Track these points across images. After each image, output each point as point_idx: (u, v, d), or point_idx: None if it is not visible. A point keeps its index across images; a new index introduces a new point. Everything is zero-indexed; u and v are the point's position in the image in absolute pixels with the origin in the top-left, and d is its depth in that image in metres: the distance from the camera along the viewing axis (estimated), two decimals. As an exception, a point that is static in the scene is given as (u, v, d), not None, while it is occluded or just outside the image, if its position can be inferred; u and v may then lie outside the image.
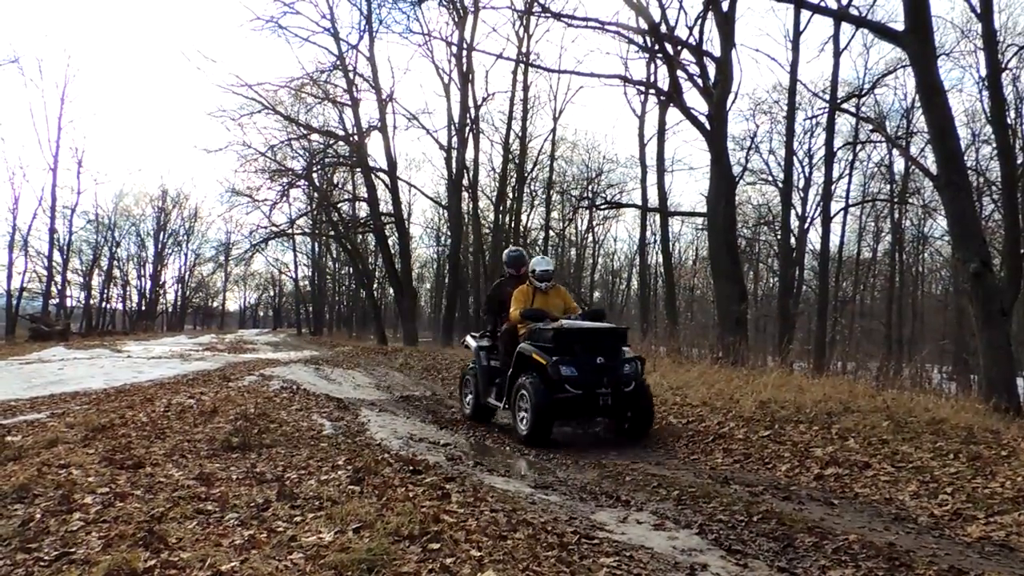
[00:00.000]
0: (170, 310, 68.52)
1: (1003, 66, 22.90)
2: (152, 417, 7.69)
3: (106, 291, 58.55)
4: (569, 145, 41.97)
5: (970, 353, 22.56)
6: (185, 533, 3.97)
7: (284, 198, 34.37)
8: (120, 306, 62.74)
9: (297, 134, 31.89)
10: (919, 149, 28.85)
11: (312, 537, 3.96)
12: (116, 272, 59.75)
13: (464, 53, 30.03)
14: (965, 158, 21.44)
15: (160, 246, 62.78)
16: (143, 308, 62.20)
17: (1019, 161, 26.51)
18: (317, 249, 54.50)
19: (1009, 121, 25.67)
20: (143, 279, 63.36)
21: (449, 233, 37.81)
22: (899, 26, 12.89)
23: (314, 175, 34.80)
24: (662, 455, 7.97)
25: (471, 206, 35.16)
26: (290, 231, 39.24)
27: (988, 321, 11.51)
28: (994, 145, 22.26)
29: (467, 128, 31.66)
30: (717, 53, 19.17)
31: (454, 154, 31.93)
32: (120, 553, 3.61)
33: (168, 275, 66.62)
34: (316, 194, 36.58)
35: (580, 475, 6.56)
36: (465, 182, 33.35)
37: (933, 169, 12.80)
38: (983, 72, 21.66)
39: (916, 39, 12.34)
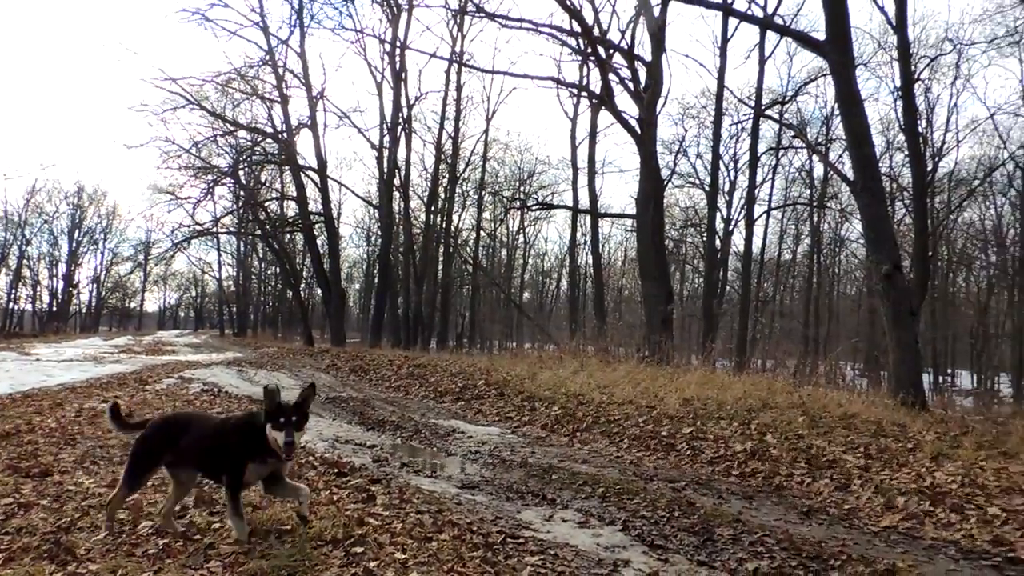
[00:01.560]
0: (84, 311, 65.73)
1: (916, 77, 23.99)
2: (62, 423, 7.36)
3: (14, 291, 55.84)
4: (502, 146, 42.22)
5: (881, 351, 23.58)
6: (95, 544, 3.81)
7: (209, 196, 33.43)
8: (29, 307, 59.92)
9: (223, 130, 31.02)
10: (838, 155, 29.95)
11: (232, 544, 3.86)
12: (26, 272, 57.06)
13: (397, 51, 29.79)
14: (880, 165, 22.41)
15: (75, 245, 60.25)
16: (54, 309, 59.48)
17: (929, 168, 27.88)
18: (243, 248, 53.18)
19: (920, 130, 26.91)
20: (55, 279, 60.65)
21: (380, 233, 37.46)
22: (821, 36, 13.36)
23: (241, 173, 33.93)
24: (588, 453, 8.06)
25: (402, 206, 34.92)
26: (215, 230, 38.19)
27: (898, 321, 12.04)
28: (906, 152, 23.29)
29: (400, 127, 31.42)
30: (648, 58, 19.53)
31: (386, 153, 31.64)
32: (23, 567, 3.44)
33: (82, 275, 63.94)
34: (243, 192, 35.67)
35: (507, 474, 6.59)
36: (397, 182, 33.09)
37: (850, 175, 13.31)
38: (898, 82, 22.61)
39: (836, 49, 12.82)
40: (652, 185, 19.09)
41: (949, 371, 38.05)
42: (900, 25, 18.29)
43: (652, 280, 18.45)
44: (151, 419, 4.52)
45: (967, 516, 5.38)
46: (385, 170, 31.71)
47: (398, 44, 29.37)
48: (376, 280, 37.59)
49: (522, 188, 40.52)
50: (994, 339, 36.02)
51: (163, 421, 4.46)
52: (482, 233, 41.60)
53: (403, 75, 30.77)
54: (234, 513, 4.05)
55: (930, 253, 18.93)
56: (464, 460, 7.31)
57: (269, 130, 31.64)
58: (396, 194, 33.78)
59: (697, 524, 5.12)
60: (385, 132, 31.54)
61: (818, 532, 5.12)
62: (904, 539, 5.09)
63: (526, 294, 52.86)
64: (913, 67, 22.28)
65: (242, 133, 31.91)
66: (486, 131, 37.30)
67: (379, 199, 34.36)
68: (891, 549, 4.81)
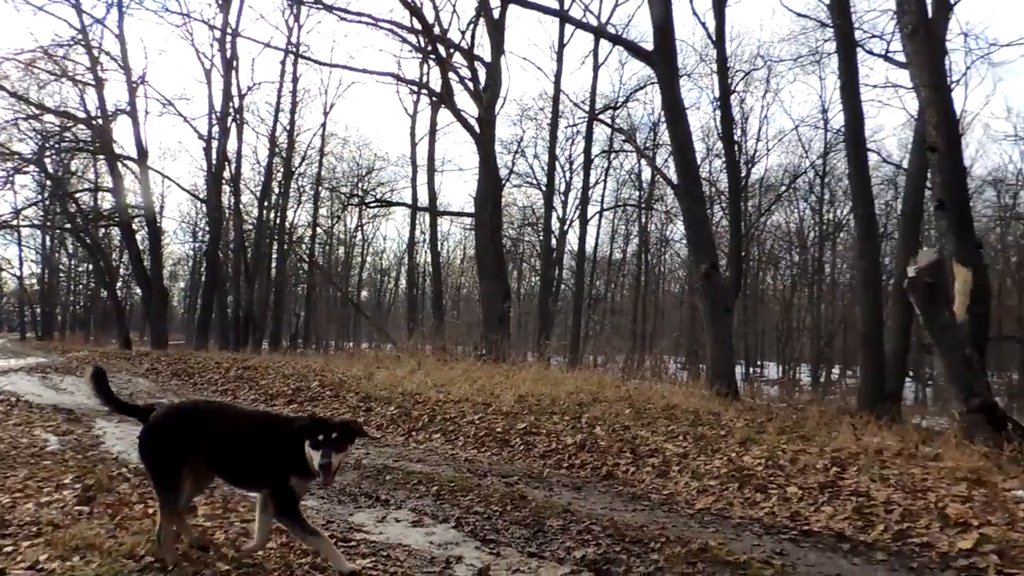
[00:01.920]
0: None
1: (732, 89, 25.85)
2: None
3: None
4: (340, 141, 41.00)
5: (700, 345, 25.25)
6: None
7: (8, 185, 30.30)
8: None
9: (26, 113, 28.14)
10: (664, 160, 31.74)
11: (25, 568, 3.52)
12: None
13: (228, 38, 28.30)
14: (700, 169, 23.96)
15: None
16: None
17: (743, 174, 30.17)
18: (49, 243, 48.54)
19: (736, 138, 29.04)
20: None
21: (207, 228, 35.47)
22: (650, 47, 14.08)
23: (47, 160, 30.93)
24: (424, 452, 8.06)
25: (232, 200, 33.20)
26: (15, 223, 34.66)
27: (715, 317, 12.94)
28: (724, 158, 25.04)
29: (230, 118, 29.88)
30: (488, 58, 19.77)
31: (215, 145, 29.97)
32: None
33: None
34: (49, 182, 32.56)
35: (339, 478, 6.44)
36: (226, 175, 31.44)
37: (674, 179, 14.14)
38: (717, 93, 24.28)
39: (662, 60, 13.57)
40: (491, 184, 19.38)
41: (758, 363, 41.28)
42: (719, 40, 19.64)
43: (490, 278, 18.72)
44: (157, 407, 4.00)
45: (770, 495, 5.87)
46: (214, 162, 30.04)
47: (229, 31, 27.91)
48: (203, 278, 35.58)
49: (360, 184, 39.76)
50: (796, 333, 39.50)
51: (180, 410, 3.98)
52: (319, 230, 40.44)
53: (235, 63, 29.32)
54: (309, 533, 3.68)
55: (743, 253, 20.54)
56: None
57: (81, 115, 29.04)
58: (226, 188, 32.12)
59: (529, 517, 5.26)
60: (214, 122, 29.90)
61: (641, 517, 5.40)
62: (716, 519, 5.47)
63: (364, 293, 51.96)
64: (730, 80, 24.00)
65: (49, 117, 29.01)
66: (323, 125, 36.31)
67: (207, 193, 32.49)
68: (704, 529, 5.16)
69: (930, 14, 10.12)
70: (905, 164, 18.80)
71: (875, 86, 43.68)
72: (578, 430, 8.34)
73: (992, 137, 64.82)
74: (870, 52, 19.61)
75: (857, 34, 16.88)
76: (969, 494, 5.56)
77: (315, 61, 33.51)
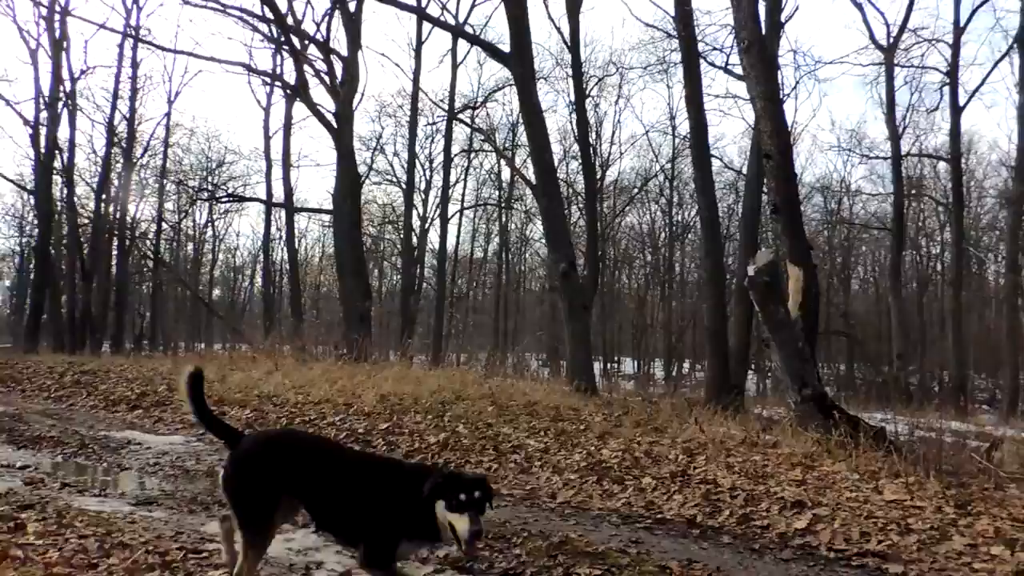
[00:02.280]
0: None
1: (587, 93, 26.66)
2: None
3: None
4: (187, 132, 38.84)
5: (560, 342, 25.92)
6: None
7: None
8: None
9: None
10: (522, 160, 32.29)
11: None
12: None
13: (57, 17, 26.16)
14: (558, 171, 24.55)
15: None
16: None
17: (598, 176, 31.21)
18: None
19: (591, 141, 30.00)
20: None
21: (35, 222, 32.62)
22: (507, 48, 14.28)
23: None
24: (282, 456, 7.78)
25: (66, 192, 30.71)
26: None
27: (573, 314, 13.31)
28: (580, 160, 25.79)
29: (61, 103, 27.62)
30: (345, 52, 19.34)
31: (43, 131, 27.60)
32: None
33: None
34: None
35: (191, 486, 6.13)
36: (58, 164, 29.03)
37: (533, 179, 14.43)
38: (572, 97, 24.98)
39: (519, 62, 13.79)
40: (349, 181, 19.00)
41: (616, 358, 42.86)
42: (574, 46, 20.20)
43: (350, 277, 18.36)
44: (246, 436, 3.53)
45: (626, 486, 6.11)
46: (43, 150, 27.69)
47: (58, 9, 25.83)
48: (32, 276, 32.73)
49: (210, 178, 37.90)
50: (650, 329, 41.34)
51: (276, 439, 3.52)
52: (164, 225, 38.17)
53: (65, 44, 27.10)
54: None
55: (599, 253, 21.26)
56: (141, 474, 6.66)
57: None
58: (57, 178, 29.68)
59: (391, 518, 5.19)
60: (43, 107, 27.55)
61: (504, 513, 5.47)
62: (576, 512, 5.63)
63: (216, 291, 49.50)
64: (585, 84, 24.78)
65: None
66: (168, 115, 34.22)
67: (35, 183, 29.91)
68: (565, 522, 5.30)
69: (764, 31, 10.87)
70: (745, 170, 20.12)
71: (717, 96, 46.35)
72: (441, 429, 8.33)
73: (819, 147, 70.54)
74: (712, 64, 20.86)
75: (700, 46, 17.91)
76: (803, 478, 6.02)
77: (156, 46, 31.15)
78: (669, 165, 34.71)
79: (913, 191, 31.98)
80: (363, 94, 25.63)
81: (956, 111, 25.11)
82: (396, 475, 3.29)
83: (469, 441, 7.79)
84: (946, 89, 25.73)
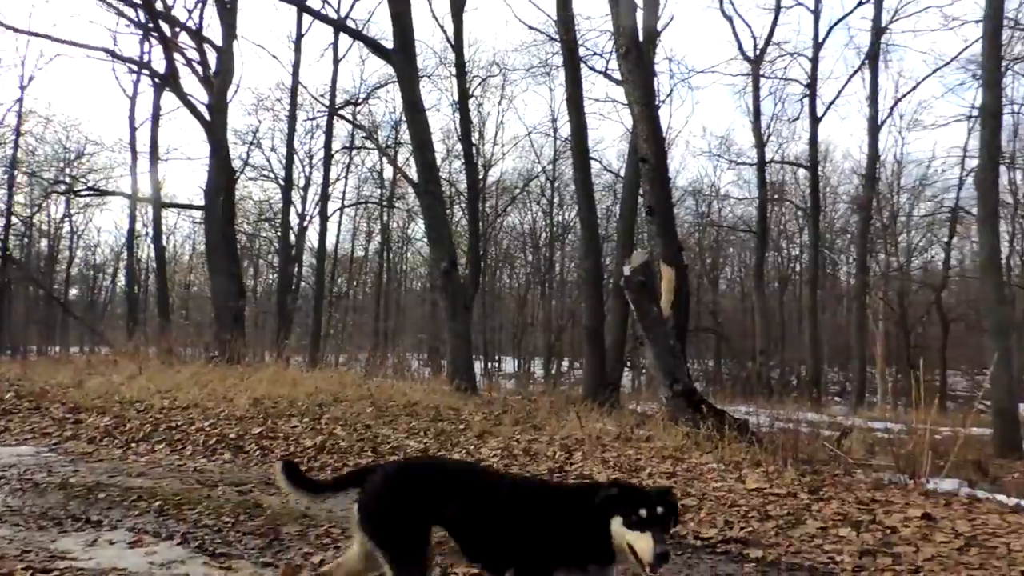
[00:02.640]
0: None
1: (470, 93, 26.70)
2: None
3: None
4: (41, 120, 36.11)
5: (441, 342, 25.88)
6: None
7: None
8: None
9: None
10: (405, 158, 31.99)
11: None
12: None
13: None
14: (440, 170, 24.49)
15: None
16: None
17: (481, 175, 31.36)
18: None
19: (474, 140, 30.10)
20: None
21: None
22: (390, 44, 14.08)
23: None
24: (145, 464, 7.38)
25: None
26: None
27: (454, 314, 13.31)
28: (463, 160, 25.82)
29: None
30: (219, 42, 18.55)
31: None
32: None
33: None
34: None
35: (41, 500, 5.70)
36: None
37: (415, 177, 14.31)
38: (455, 96, 24.96)
39: (402, 59, 13.66)
40: (222, 176, 18.26)
41: (496, 357, 43.22)
42: (458, 45, 20.20)
43: (222, 275, 17.63)
44: (372, 471, 3.17)
45: (505, 484, 6.16)
46: None
47: None
48: None
49: (68, 170, 35.38)
50: (530, 328, 41.93)
51: (415, 466, 3.15)
52: (15, 220, 35.29)
53: (-101, 19, 24.65)
54: None
55: (481, 252, 21.40)
56: (-17, 489, 6.14)
57: None
58: None
59: (264, 526, 5.02)
60: None
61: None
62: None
63: (73, 291, 46.30)
64: (468, 84, 24.81)
65: None
66: (20, 101, 31.76)
67: None
68: (444, 522, 5.27)
69: (641, 38, 11.24)
70: (622, 173, 20.72)
71: (597, 100, 47.53)
72: (318, 431, 8.14)
73: (692, 152, 73.83)
74: (592, 68, 21.38)
75: (581, 51, 18.34)
76: (674, 470, 6.27)
77: (6, 26, 28.99)
78: (551, 166, 35.32)
79: (776, 196, 33.92)
80: (238, 86, 24.66)
81: (814, 121, 26.84)
82: (552, 496, 3.05)
83: (347, 443, 7.65)
84: (806, 100, 27.51)
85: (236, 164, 27.78)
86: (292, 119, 28.81)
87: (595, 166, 27.55)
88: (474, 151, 28.51)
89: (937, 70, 27.78)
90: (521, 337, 40.98)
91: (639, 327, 9.29)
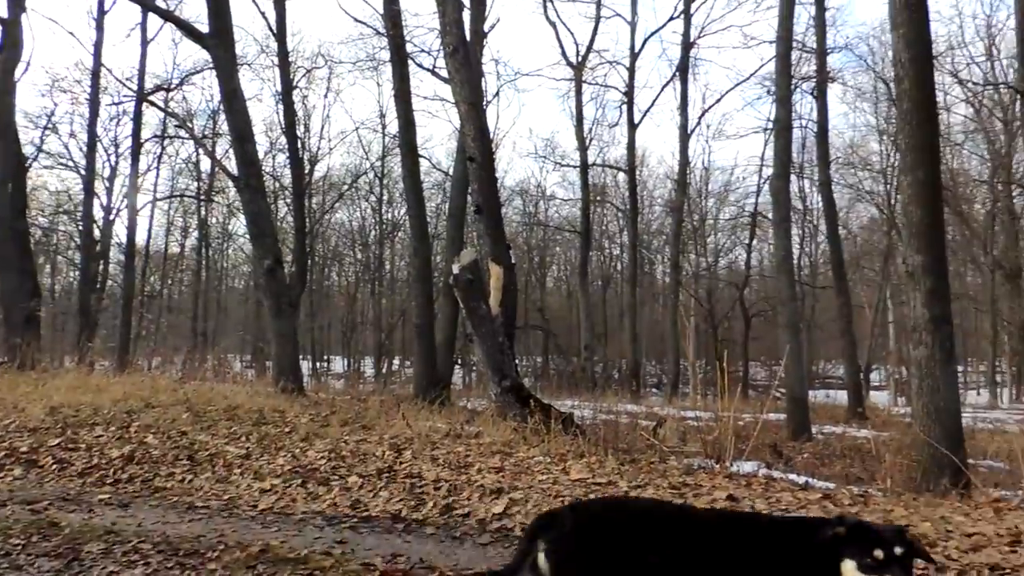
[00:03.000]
0: None
1: (294, 84, 25.78)
2: None
3: None
4: None
5: (266, 342, 24.84)
6: None
7: None
8: None
9: None
10: (224, 150, 30.31)
11: None
12: None
13: None
14: (263, 163, 23.49)
15: None
16: None
17: (307, 170, 30.37)
18: None
19: (300, 134, 29.17)
20: None
21: None
22: (206, 28, 13.28)
23: None
24: (-84, 486, 6.53)
25: None
26: None
27: (279, 313, 12.81)
28: (288, 153, 24.90)
29: None
30: (6, 15, 16.71)
31: None
32: None
33: None
34: None
35: None
36: None
37: (235, 170, 13.61)
38: (279, 87, 23.97)
39: (219, 44, 12.93)
40: (10, 163, 16.50)
41: (325, 357, 42.13)
42: (280, 33, 19.49)
43: (12, 272, 15.93)
44: (562, 514, 2.75)
45: (332, 487, 6.01)
46: None
47: None
48: None
49: None
50: (360, 327, 41.23)
51: (610, 511, 2.67)
52: None
53: None
54: None
55: (308, 249, 20.78)
56: None
57: None
58: None
59: (62, 545, 4.60)
60: None
61: (198, 527, 5.10)
62: (279, 518, 5.42)
63: None
64: (292, 75, 23.99)
65: None
66: None
67: None
68: (267, 529, 5.07)
69: (468, 38, 11.36)
70: (451, 171, 20.82)
71: (426, 97, 47.62)
72: (126, 441, 7.55)
73: (519, 153, 75.59)
74: (420, 65, 21.30)
75: (409, 47, 18.19)
76: (502, 465, 6.38)
77: None
78: (379, 163, 34.83)
79: (598, 198, 35.44)
80: (29, 64, 22.32)
81: (632, 127, 28.30)
82: (768, 531, 2.75)
83: (159, 452, 7.15)
84: (624, 107, 28.92)
85: (28, 150, 25.23)
86: (95, 103, 26.42)
87: (424, 164, 27.50)
88: (299, 145, 27.63)
89: (738, 85, 30.33)
90: (351, 336, 40.18)
91: (469, 325, 9.38)
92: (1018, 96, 18.29)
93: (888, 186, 28.28)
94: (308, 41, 43.65)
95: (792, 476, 6.78)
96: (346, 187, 35.81)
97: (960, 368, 26.56)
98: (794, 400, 13.85)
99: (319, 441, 7.38)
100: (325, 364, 40.66)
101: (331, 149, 41.33)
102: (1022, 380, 28.62)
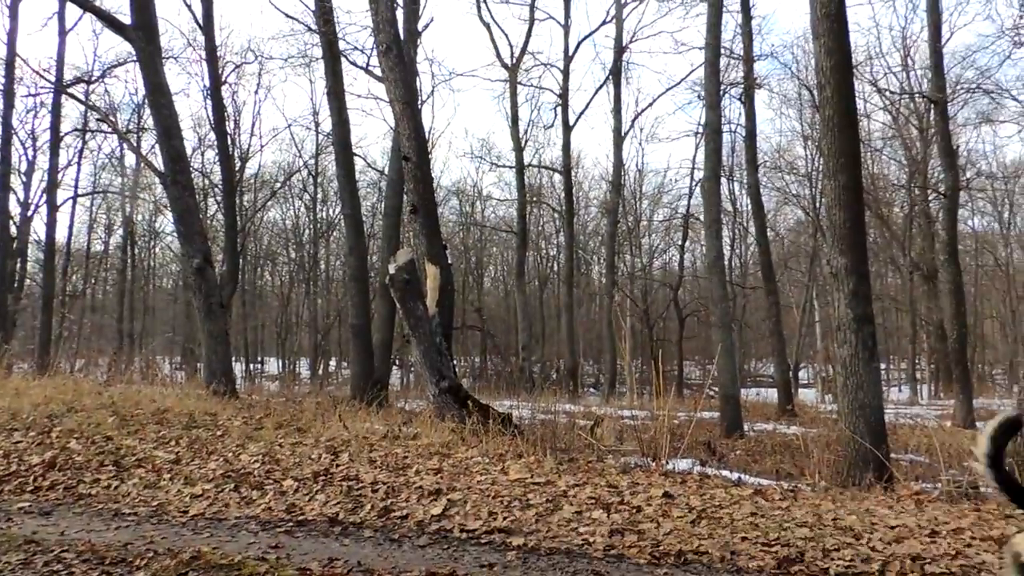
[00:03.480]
0: None
1: (223, 79, 25.10)
2: None
3: None
4: None
5: (196, 343, 24.19)
6: None
7: None
8: None
9: None
10: (150, 146, 29.34)
11: None
12: None
13: None
14: (192, 159, 22.84)
15: None
16: None
17: (238, 167, 29.63)
18: None
19: (229, 130, 28.45)
20: None
21: None
22: (128, 19, 12.84)
23: None
24: None
25: None
26: None
27: (209, 313, 12.48)
28: (217, 150, 24.27)
29: None
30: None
31: None
32: None
33: None
34: None
35: None
36: None
37: (161, 166, 13.19)
38: (207, 82, 23.38)
39: (142, 36, 12.53)
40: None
41: (259, 358, 41.24)
42: (207, 27, 19.00)
43: (-78, 271, 15.12)
44: None
45: (266, 491, 5.89)
46: None
47: None
48: None
49: None
50: (295, 327, 40.51)
51: None
52: None
53: None
54: None
55: (240, 248, 20.24)
56: None
57: None
58: None
59: (-23, 558, 4.39)
60: None
61: (125, 535, 4.93)
62: (211, 524, 5.28)
63: None
64: (221, 70, 23.37)
65: None
66: None
67: None
68: (198, 536, 4.94)
69: (402, 36, 11.27)
70: (387, 170, 20.63)
71: (360, 95, 47.21)
72: (47, 447, 7.24)
73: (455, 153, 75.42)
74: (354, 63, 20.99)
75: (343, 44, 17.94)
76: (440, 466, 6.36)
77: None
78: (313, 161, 34.24)
79: (534, 198, 35.66)
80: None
81: (567, 129, 28.52)
82: None
83: (83, 458, 6.89)
84: (559, 109, 29.13)
85: (-64, 142, 23.98)
86: (9, 95, 25.22)
87: (359, 162, 27.23)
88: (229, 141, 26.96)
89: (669, 89, 31.10)
90: (285, 337, 39.43)
91: (406, 325, 9.31)
92: (932, 105, 19.07)
93: (813, 190, 29.17)
94: (238, 36, 42.70)
95: (725, 472, 6.96)
96: (279, 185, 35.12)
97: (882, 366, 27.69)
98: (727, 398, 14.16)
99: (253, 444, 7.22)
100: (259, 366, 39.82)
101: (263, 146, 40.47)
102: (940, 377, 29.89)
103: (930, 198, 23.82)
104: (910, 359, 35.19)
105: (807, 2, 7.79)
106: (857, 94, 9.78)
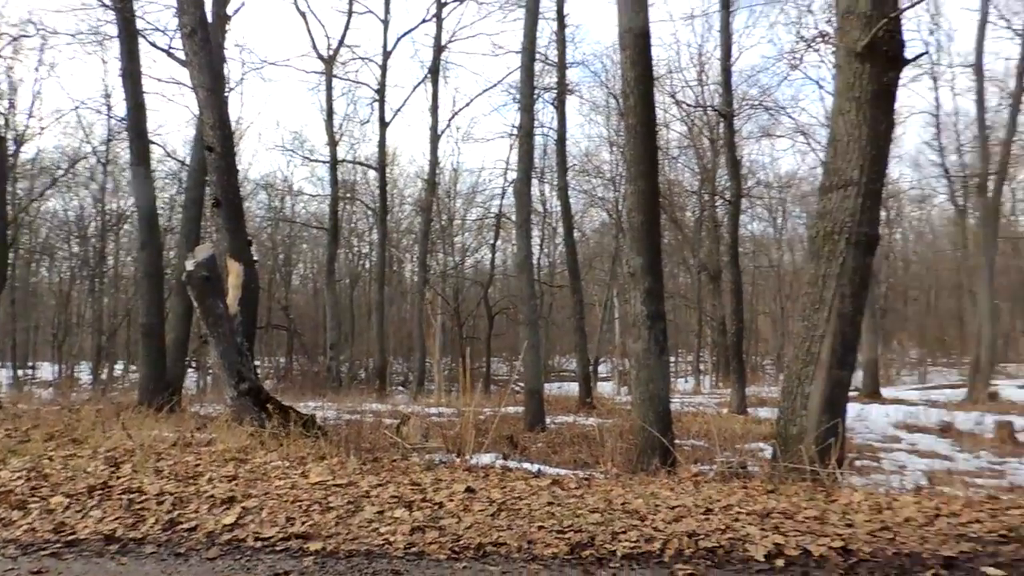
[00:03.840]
0: None
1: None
2: None
3: None
4: None
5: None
6: None
7: None
8: None
9: None
10: None
11: None
12: None
13: None
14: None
15: None
16: None
17: (12, 151, 26.56)
18: None
19: (2, 109, 25.44)
20: None
21: None
22: None
23: None
24: None
25: None
26: None
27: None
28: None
29: None
30: None
31: None
32: None
33: None
34: None
35: None
36: None
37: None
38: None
39: None
40: None
41: (31, 363, 37.21)
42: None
43: None
44: None
45: (30, 510, 5.29)
46: None
47: None
48: None
49: None
50: (76, 328, 36.91)
51: None
52: None
53: None
54: None
55: (11, 241, 18.12)
56: None
57: None
58: None
59: None
60: None
61: None
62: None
63: None
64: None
65: None
66: None
67: None
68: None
69: (210, 19, 10.64)
70: (188, 160, 19.35)
71: (160, 80, 44.10)
72: None
73: (265, 145, 72.20)
74: (153, 44, 19.42)
75: (140, 24, 16.58)
76: (236, 472, 6.04)
77: None
78: (103, 147, 31.33)
79: (348, 194, 34.92)
80: None
81: (383, 126, 28.20)
82: None
83: None
84: (376, 105, 28.74)
85: None
86: None
87: (157, 151, 25.37)
88: (3, 122, 24.13)
89: (486, 90, 31.84)
90: (63, 339, 35.73)
91: (204, 325, 8.76)
92: (722, 119, 20.80)
93: (616, 193, 30.87)
94: (15, 5, 38.10)
95: (527, 464, 7.17)
96: (61, 172, 31.78)
97: (671, 359, 29.85)
98: (531, 393, 14.62)
99: (15, 459, 6.47)
100: (30, 371, 35.91)
101: (43, 129, 36.27)
102: (720, 368, 32.68)
103: (717, 204, 25.98)
104: (695, 352, 38.23)
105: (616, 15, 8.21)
106: (657, 105, 10.46)
